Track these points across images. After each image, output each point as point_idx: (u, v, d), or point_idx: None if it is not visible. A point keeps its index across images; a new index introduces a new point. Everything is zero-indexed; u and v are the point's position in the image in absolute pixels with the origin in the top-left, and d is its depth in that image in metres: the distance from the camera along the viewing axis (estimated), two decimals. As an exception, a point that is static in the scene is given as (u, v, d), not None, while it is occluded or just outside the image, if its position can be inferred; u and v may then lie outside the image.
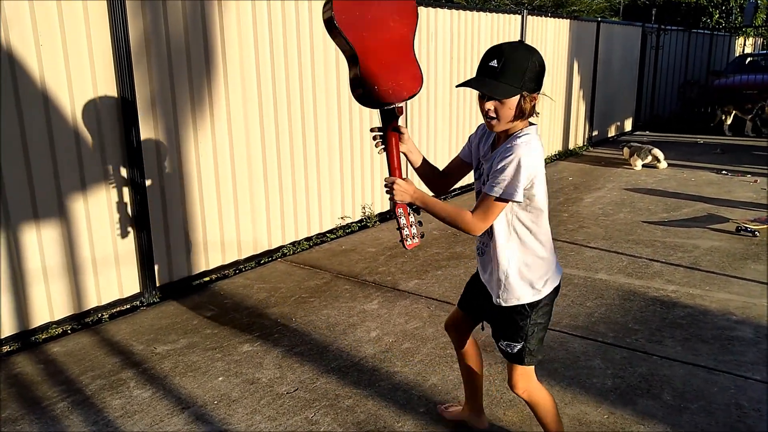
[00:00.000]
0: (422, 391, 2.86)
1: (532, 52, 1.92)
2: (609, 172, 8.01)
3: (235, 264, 4.56)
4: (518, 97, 1.89)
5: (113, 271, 3.80)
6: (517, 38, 7.57)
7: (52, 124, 3.38)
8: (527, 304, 2.07)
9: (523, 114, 1.92)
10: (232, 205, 4.46)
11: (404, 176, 2.13)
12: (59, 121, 3.41)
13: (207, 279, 4.36)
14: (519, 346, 2.10)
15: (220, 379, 3.00)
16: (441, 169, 2.30)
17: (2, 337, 3.32)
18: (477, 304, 2.27)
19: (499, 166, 1.92)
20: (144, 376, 3.03)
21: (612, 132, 11.14)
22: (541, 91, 1.95)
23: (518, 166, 1.88)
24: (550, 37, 8.40)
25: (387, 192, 2.08)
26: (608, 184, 7.29)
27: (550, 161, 8.86)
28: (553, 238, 2.13)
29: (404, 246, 2.16)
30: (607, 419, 2.63)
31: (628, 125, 11.80)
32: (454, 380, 2.92)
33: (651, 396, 2.79)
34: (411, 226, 2.14)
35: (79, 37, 3.43)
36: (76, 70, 3.44)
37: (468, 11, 6.72)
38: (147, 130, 3.83)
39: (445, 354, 3.18)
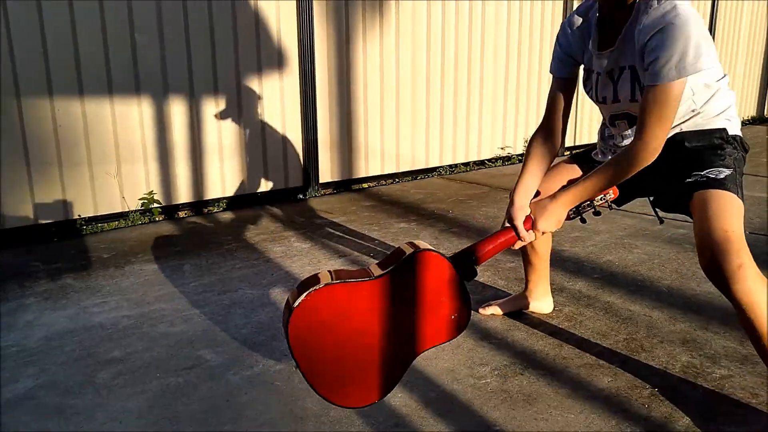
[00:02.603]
0: (598, 265, 2.56)
1: None
2: (817, 134, 6.88)
3: (392, 176, 4.52)
4: None
5: (280, 162, 3.92)
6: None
7: (237, 21, 3.56)
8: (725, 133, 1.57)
9: None
10: (393, 120, 4.43)
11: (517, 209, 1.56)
12: (243, 17, 3.58)
13: (365, 185, 4.37)
14: (728, 172, 1.50)
15: (375, 242, 2.94)
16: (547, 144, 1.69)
17: (180, 202, 3.56)
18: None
19: (654, 44, 1.34)
20: (304, 236, 3.07)
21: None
22: None
23: (689, 36, 1.31)
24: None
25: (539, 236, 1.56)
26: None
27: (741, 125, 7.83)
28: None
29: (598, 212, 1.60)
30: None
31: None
32: (633, 259, 2.58)
33: None
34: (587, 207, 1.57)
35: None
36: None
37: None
38: (321, 37, 3.92)
39: (618, 239, 2.84)
